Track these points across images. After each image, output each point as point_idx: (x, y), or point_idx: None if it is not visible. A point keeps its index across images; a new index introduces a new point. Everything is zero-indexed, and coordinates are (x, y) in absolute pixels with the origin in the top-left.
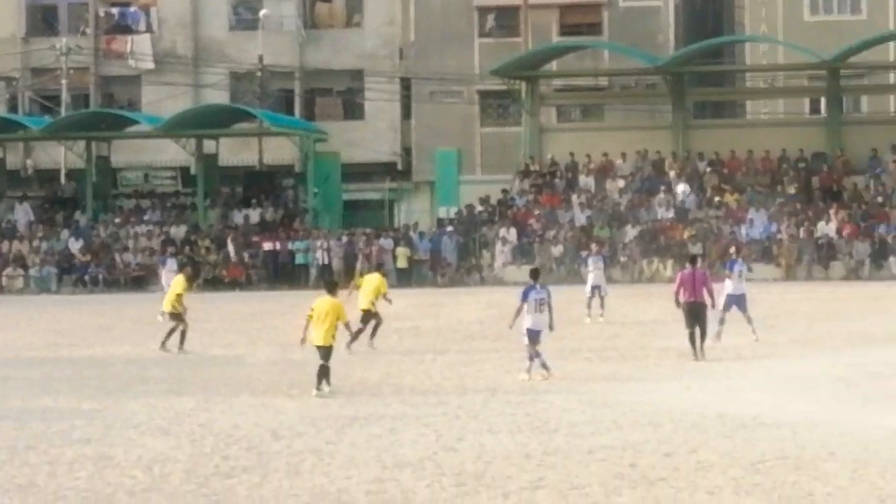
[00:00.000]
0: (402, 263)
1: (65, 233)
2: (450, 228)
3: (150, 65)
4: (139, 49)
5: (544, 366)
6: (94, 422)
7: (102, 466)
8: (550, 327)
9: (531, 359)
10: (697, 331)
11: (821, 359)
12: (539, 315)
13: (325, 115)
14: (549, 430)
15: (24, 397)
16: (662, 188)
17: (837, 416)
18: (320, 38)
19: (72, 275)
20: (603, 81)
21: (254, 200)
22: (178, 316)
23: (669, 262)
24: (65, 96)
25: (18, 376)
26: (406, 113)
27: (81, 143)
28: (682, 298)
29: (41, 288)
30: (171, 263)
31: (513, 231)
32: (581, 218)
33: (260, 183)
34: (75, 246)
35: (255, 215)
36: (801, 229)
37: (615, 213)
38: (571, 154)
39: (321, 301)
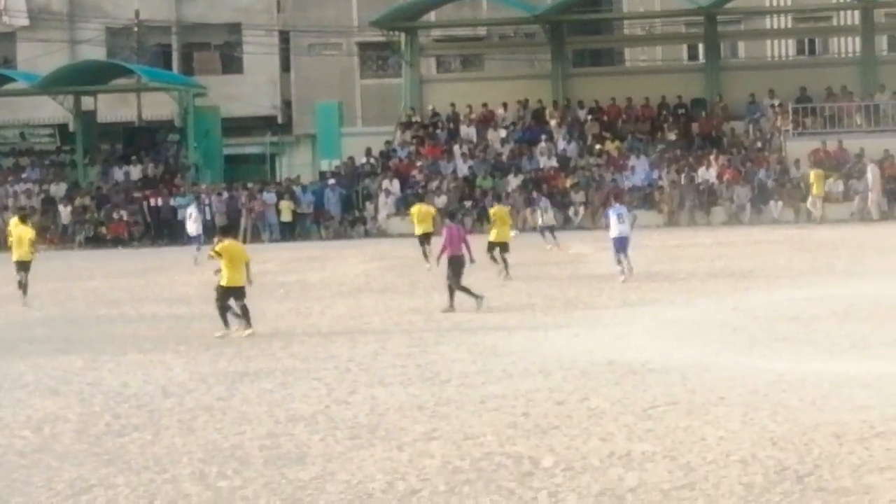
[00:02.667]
0: (286, 217)
1: None
2: (332, 181)
3: (25, 21)
4: (13, 6)
5: (630, 270)
6: None
7: None
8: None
9: (619, 262)
10: (455, 283)
11: (706, 304)
12: (622, 225)
13: (203, 69)
14: (441, 380)
15: None
16: (544, 137)
17: (725, 361)
18: None
19: None
20: (482, 31)
21: (134, 157)
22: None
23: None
24: None
25: None
26: (285, 66)
27: None
28: (445, 254)
29: None
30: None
31: (396, 183)
32: (463, 168)
33: (140, 139)
34: None
35: (136, 171)
36: (682, 175)
37: (497, 163)
38: (452, 105)
39: (229, 244)
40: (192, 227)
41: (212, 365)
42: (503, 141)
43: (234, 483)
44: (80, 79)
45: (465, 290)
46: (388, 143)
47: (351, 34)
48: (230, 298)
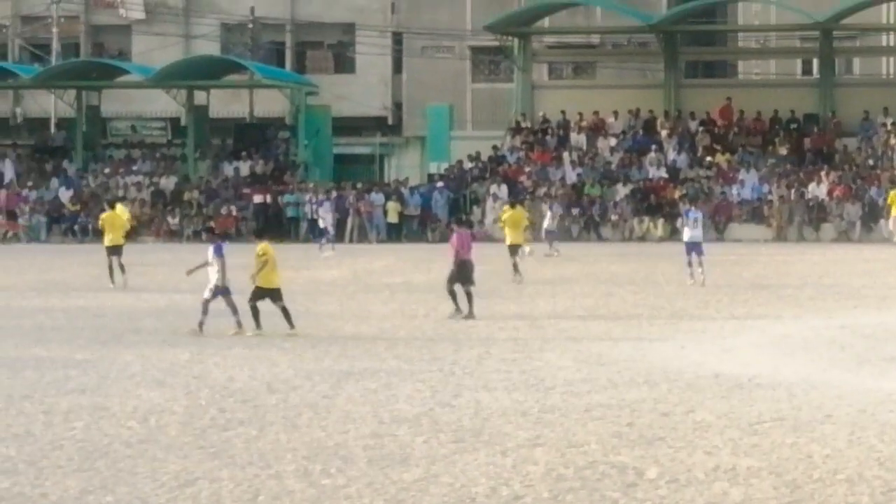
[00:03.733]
0: (392, 218)
1: (54, 182)
2: (440, 184)
3: (141, 14)
4: None
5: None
6: (88, 372)
7: (98, 417)
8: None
9: (689, 265)
10: (461, 288)
11: (814, 320)
12: (695, 230)
13: (316, 68)
14: (545, 387)
15: (17, 346)
16: (654, 147)
17: (833, 378)
18: None
19: (61, 224)
20: (595, 39)
21: (244, 153)
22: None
23: (660, 222)
24: (55, 45)
25: (10, 325)
26: (397, 67)
27: (72, 93)
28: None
29: (31, 237)
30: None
31: (503, 187)
32: (572, 176)
33: (251, 135)
34: (65, 195)
35: (245, 168)
36: (792, 191)
37: (606, 171)
38: (563, 112)
39: (267, 246)
40: (323, 221)
41: (317, 363)
42: (613, 149)
43: (337, 481)
44: (193, 73)
45: (453, 295)
46: (496, 147)
47: (464, 38)
48: (264, 299)
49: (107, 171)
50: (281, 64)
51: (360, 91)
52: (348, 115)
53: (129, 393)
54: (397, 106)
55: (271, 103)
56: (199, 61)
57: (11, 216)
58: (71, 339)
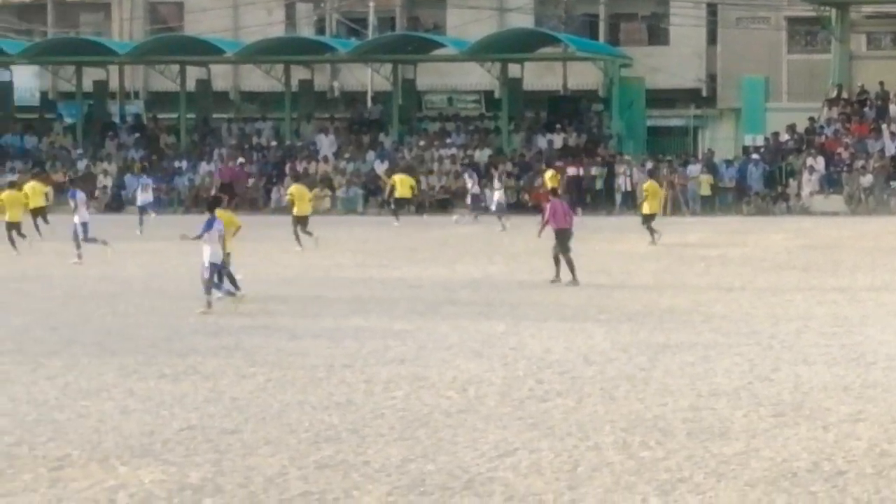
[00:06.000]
0: (704, 191)
1: (370, 155)
2: (755, 156)
3: None
4: None
5: None
6: (406, 342)
7: (418, 386)
8: None
9: None
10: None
11: None
12: None
13: (629, 40)
14: (867, 362)
15: (336, 316)
16: None
17: None
18: None
19: (377, 196)
20: None
21: (557, 125)
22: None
23: None
24: (372, 19)
25: (330, 296)
26: (711, 39)
27: (388, 66)
28: (552, 226)
29: (347, 209)
30: None
31: (820, 160)
32: (892, 148)
33: (564, 108)
34: (381, 168)
35: (558, 140)
36: None
37: None
38: (881, 83)
39: (225, 214)
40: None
41: (632, 335)
42: None
43: (656, 454)
44: (507, 46)
45: (570, 262)
46: (812, 119)
47: (780, 8)
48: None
49: (421, 143)
50: (594, 36)
51: (674, 63)
52: (662, 88)
53: (447, 363)
54: (711, 78)
55: (585, 76)
56: (513, 34)
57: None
58: (389, 309)
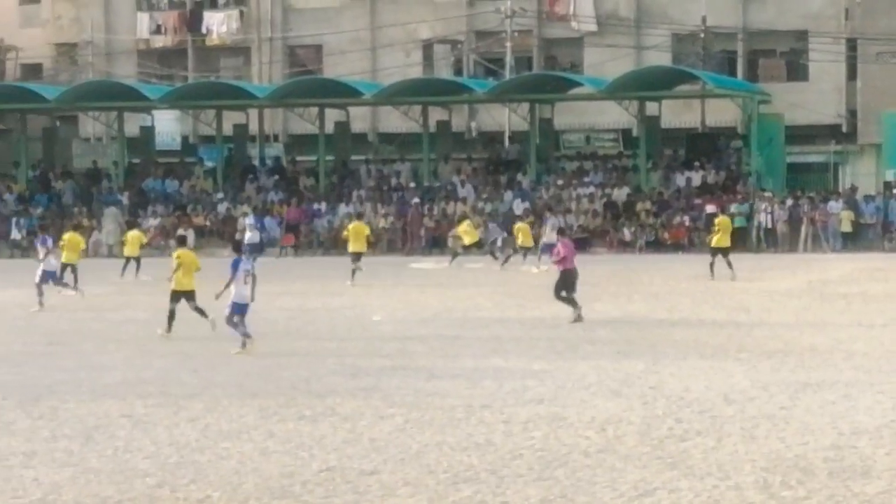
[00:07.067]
0: (845, 227)
1: (508, 194)
2: None
3: (593, 27)
4: (582, 11)
5: None
6: (545, 382)
7: (556, 426)
8: None
9: None
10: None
11: None
12: None
13: (767, 76)
14: None
15: (474, 356)
16: None
17: None
18: None
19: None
20: None
21: (696, 163)
22: None
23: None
24: (509, 59)
25: (469, 336)
26: (851, 74)
27: (525, 106)
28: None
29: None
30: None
31: None
32: None
33: (702, 145)
34: (519, 207)
35: (696, 178)
36: None
37: None
38: None
39: (183, 252)
40: None
41: (773, 374)
42: None
43: (797, 493)
44: (645, 84)
45: (564, 301)
46: None
47: None
48: (181, 301)
49: (560, 182)
50: (732, 73)
51: (814, 98)
52: (801, 124)
53: (586, 403)
54: (851, 113)
55: (723, 112)
56: (651, 72)
57: (293, 230)
58: (527, 349)
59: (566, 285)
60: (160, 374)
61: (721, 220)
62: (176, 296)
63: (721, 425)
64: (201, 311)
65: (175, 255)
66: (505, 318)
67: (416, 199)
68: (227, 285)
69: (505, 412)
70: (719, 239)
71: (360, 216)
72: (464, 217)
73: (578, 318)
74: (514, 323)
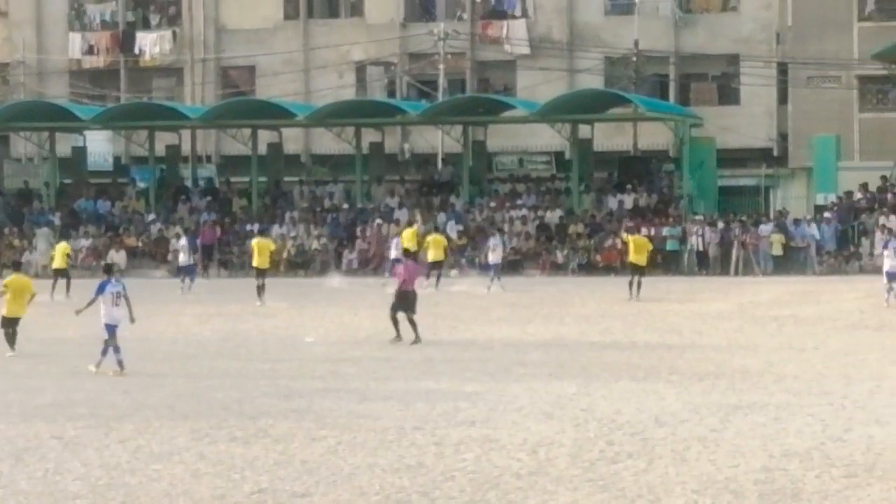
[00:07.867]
0: (776, 251)
1: (441, 216)
2: (827, 215)
3: (526, 50)
4: (515, 34)
5: None
6: (477, 404)
7: (488, 448)
8: None
9: (889, 290)
10: (404, 316)
11: None
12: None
13: (699, 100)
14: None
15: (406, 378)
16: None
17: None
18: (696, 23)
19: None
20: None
21: (628, 186)
22: None
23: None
24: (442, 81)
25: (401, 358)
26: (782, 98)
27: (458, 128)
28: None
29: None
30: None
31: (893, 218)
32: None
33: (634, 168)
34: (453, 229)
35: (629, 201)
36: None
37: None
38: None
39: (14, 278)
40: None
41: (704, 396)
42: None
43: None
44: (577, 107)
45: (394, 322)
46: (885, 178)
47: (851, 67)
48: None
49: (493, 204)
50: (664, 96)
51: (745, 122)
52: (733, 147)
53: (518, 425)
54: (782, 137)
55: (655, 136)
56: (583, 95)
57: (208, 252)
58: (460, 371)
59: (403, 306)
60: (91, 395)
61: (634, 238)
62: (7, 322)
63: (652, 447)
64: (13, 339)
65: (5, 282)
66: (437, 340)
67: (379, 221)
68: (89, 305)
69: (437, 434)
70: (635, 257)
71: (262, 233)
72: (409, 223)
73: (397, 340)
74: (446, 345)
